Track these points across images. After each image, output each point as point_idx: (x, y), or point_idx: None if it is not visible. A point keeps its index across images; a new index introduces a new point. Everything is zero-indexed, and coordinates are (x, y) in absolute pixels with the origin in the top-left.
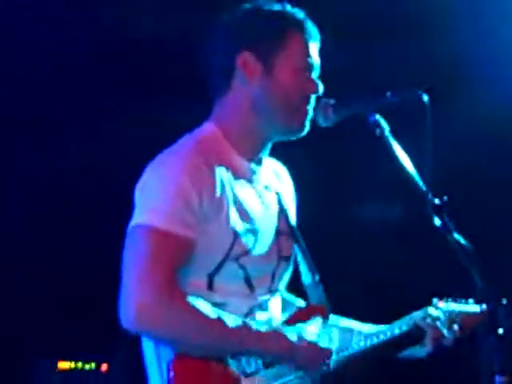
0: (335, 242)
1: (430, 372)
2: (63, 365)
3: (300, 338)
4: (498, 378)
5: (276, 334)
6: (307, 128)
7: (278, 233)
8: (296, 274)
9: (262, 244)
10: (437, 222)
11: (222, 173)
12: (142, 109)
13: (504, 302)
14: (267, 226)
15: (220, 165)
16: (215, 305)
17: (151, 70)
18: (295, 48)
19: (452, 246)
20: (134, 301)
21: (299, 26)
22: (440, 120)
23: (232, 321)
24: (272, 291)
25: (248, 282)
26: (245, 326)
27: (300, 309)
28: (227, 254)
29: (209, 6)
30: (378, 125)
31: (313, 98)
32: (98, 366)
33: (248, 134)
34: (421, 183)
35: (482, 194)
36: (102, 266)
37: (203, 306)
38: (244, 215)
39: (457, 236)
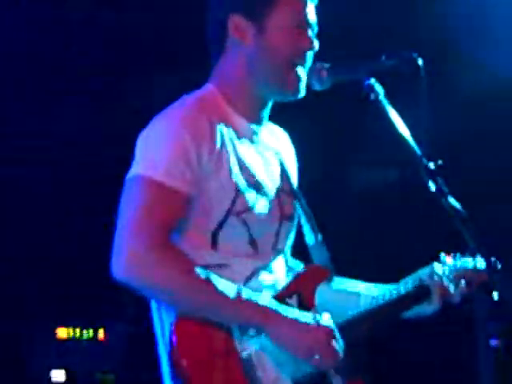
0: (332, 205)
1: (425, 336)
2: (62, 333)
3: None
4: (493, 342)
5: (264, 305)
6: (303, 91)
7: (279, 191)
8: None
9: (264, 201)
10: (431, 186)
11: (222, 129)
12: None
13: (498, 266)
14: (269, 184)
15: (221, 122)
16: (218, 266)
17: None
18: (288, 6)
19: (446, 210)
20: (125, 249)
21: None
22: (435, 82)
23: (229, 287)
24: (277, 250)
25: (251, 240)
26: (240, 295)
27: (299, 274)
28: (229, 210)
29: None
30: (372, 89)
31: (308, 54)
32: (96, 333)
33: (245, 94)
34: (416, 147)
35: (479, 157)
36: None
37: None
38: (245, 172)
39: (451, 200)
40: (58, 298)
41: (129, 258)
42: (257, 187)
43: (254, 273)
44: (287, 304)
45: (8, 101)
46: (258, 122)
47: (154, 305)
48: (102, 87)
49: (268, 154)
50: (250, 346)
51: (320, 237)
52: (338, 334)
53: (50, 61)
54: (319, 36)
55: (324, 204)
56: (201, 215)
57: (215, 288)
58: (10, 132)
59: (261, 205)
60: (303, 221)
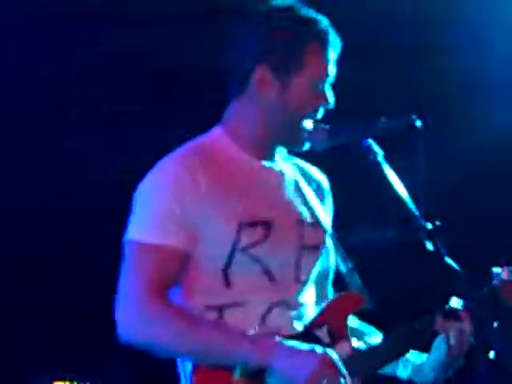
0: None
1: None
2: None
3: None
4: None
5: (270, 343)
6: (307, 145)
7: (299, 222)
8: None
9: (277, 234)
10: (429, 246)
11: (213, 172)
12: None
13: (495, 324)
14: (284, 216)
15: (214, 164)
16: (233, 305)
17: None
18: (314, 66)
19: (444, 271)
20: (119, 313)
21: (321, 39)
22: (434, 145)
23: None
24: (301, 282)
25: (267, 272)
26: (238, 334)
27: (329, 304)
28: (234, 247)
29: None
30: (371, 150)
31: (321, 109)
32: None
33: (257, 138)
34: (414, 208)
35: (475, 215)
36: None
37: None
38: (250, 207)
39: (449, 260)
40: (56, 351)
41: (123, 323)
42: (264, 222)
43: (272, 307)
44: (315, 336)
45: None
46: (271, 159)
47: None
48: None
49: (285, 187)
50: None
51: (350, 264)
52: (341, 366)
53: None
54: None
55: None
56: (206, 260)
57: (206, 330)
58: None
59: (274, 237)
60: (334, 251)
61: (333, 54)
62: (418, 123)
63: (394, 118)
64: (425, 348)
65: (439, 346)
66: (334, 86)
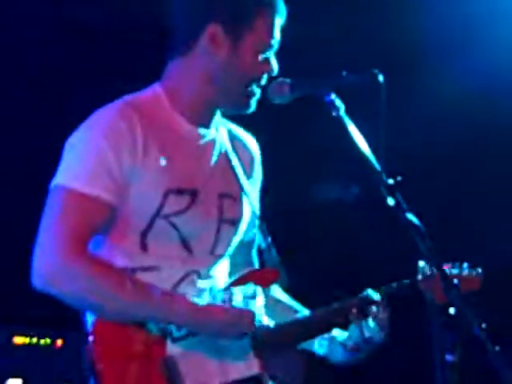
0: (292, 221)
1: (382, 353)
2: (18, 340)
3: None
4: (448, 357)
5: (180, 297)
6: (253, 107)
7: (221, 195)
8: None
9: (199, 205)
10: (390, 201)
11: (149, 133)
12: None
13: (455, 281)
14: (208, 187)
15: (150, 125)
16: (147, 269)
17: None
18: (263, 29)
19: (405, 226)
20: (40, 258)
21: (270, 4)
22: (395, 99)
23: (149, 287)
24: (216, 255)
25: (184, 242)
26: (150, 289)
27: (243, 274)
28: (156, 213)
29: None
30: (333, 104)
31: (265, 77)
32: (53, 342)
33: (198, 99)
34: (375, 163)
35: (436, 173)
36: None
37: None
38: (178, 175)
39: (409, 216)
40: (16, 304)
41: (42, 268)
42: (192, 191)
43: (185, 277)
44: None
45: None
46: (206, 125)
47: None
48: None
49: (213, 157)
50: (175, 348)
51: (269, 240)
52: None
53: None
54: (283, 47)
55: (285, 219)
56: (128, 219)
57: (134, 289)
58: None
59: (195, 208)
60: (255, 227)
61: (278, 21)
62: (380, 78)
63: (356, 73)
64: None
65: (355, 328)
66: (297, 41)
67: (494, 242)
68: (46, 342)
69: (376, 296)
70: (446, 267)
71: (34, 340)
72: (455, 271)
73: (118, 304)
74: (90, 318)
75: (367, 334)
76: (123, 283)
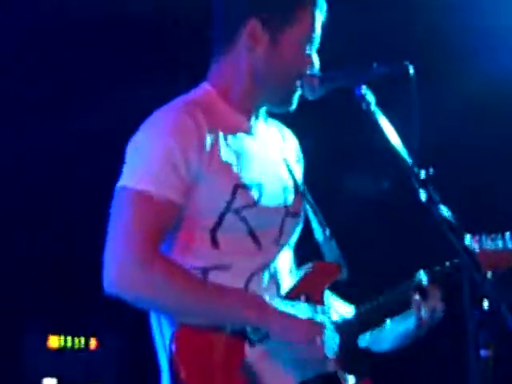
0: (324, 211)
1: (416, 348)
2: (53, 341)
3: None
4: (483, 352)
5: (258, 302)
6: (295, 104)
7: (283, 188)
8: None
9: (267, 197)
10: (422, 195)
11: (215, 130)
12: None
13: (489, 274)
14: (272, 179)
15: (212, 123)
16: (219, 267)
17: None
18: (303, 25)
19: (437, 219)
20: (115, 263)
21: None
22: (427, 91)
23: (225, 289)
24: (280, 245)
25: (252, 234)
26: (228, 291)
27: (306, 273)
28: (227, 208)
29: None
30: (363, 98)
31: (306, 72)
32: (88, 341)
33: (247, 96)
34: (407, 156)
35: (468, 165)
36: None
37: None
38: (245, 168)
39: (442, 209)
40: (51, 306)
41: (118, 273)
42: (259, 183)
43: (257, 271)
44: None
45: None
46: (259, 121)
47: (153, 316)
48: None
49: (270, 151)
50: (253, 353)
51: (328, 232)
52: (331, 331)
53: None
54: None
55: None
56: (197, 217)
57: (209, 292)
58: None
59: (264, 200)
60: (311, 217)
61: (319, 17)
62: (411, 70)
63: (387, 64)
64: None
65: (406, 317)
66: (325, 38)
67: None
68: (80, 343)
69: (428, 277)
70: (489, 239)
71: (69, 340)
72: (500, 243)
73: (196, 306)
74: (169, 329)
75: (425, 315)
76: (201, 285)
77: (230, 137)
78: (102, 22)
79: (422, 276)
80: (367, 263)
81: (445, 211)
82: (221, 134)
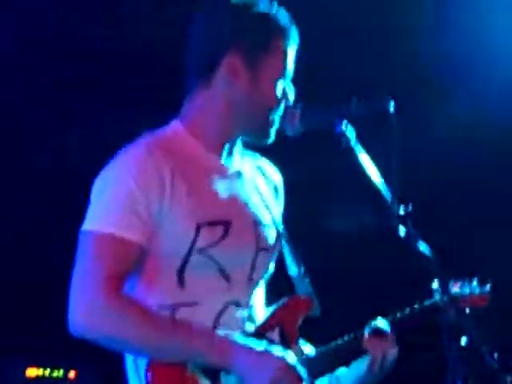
0: (306, 248)
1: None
2: (31, 372)
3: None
4: None
5: (221, 341)
6: (273, 138)
7: (256, 223)
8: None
9: (236, 233)
10: (401, 231)
11: (176, 170)
12: None
13: (467, 311)
14: (243, 216)
15: (176, 162)
16: (187, 304)
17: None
18: (278, 57)
19: (416, 255)
20: (76, 304)
21: (283, 32)
22: (407, 127)
23: (189, 326)
24: (253, 281)
25: (223, 272)
26: (192, 329)
27: (280, 306)
28: (191, 248)
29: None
30: (344, 134)
31: (282, 105)
32: (66, 373)
33: (220, 131)
34: (387, 193)
35: (449, 200)
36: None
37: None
38: (208, 208)
39: (421, 245)
40: (29, 337)
41: (83, 313)
42: (224, 221)
43: (226, 307)
44: (267, 338)
45: None
46: (232, 156)
47: (128, 355)
48: None
49: (241, 185)
50: None
51: (303, 269)
52: (299, 369)
53: None
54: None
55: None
56: (163, 257)
57: (174, 328)
58: None
59: (232, 238)
60: (286, 253)
61: (291, 49)
62: (392, 105)
63: (367, 100)
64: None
65: (361, 361)
66: (305, 69)
67: (508, 271)
68: (58, 374)
69: (385, 325)
70: (457, 286)
71: (47, 372)
72: (466, 290)
73: (160, 343)
74: (142, 364)
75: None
76: (163, 323)
77: (195, 175)
78: None
79: (378, 321)
80: (340, 301)
81: (424, 248)
82: (185, 172)
